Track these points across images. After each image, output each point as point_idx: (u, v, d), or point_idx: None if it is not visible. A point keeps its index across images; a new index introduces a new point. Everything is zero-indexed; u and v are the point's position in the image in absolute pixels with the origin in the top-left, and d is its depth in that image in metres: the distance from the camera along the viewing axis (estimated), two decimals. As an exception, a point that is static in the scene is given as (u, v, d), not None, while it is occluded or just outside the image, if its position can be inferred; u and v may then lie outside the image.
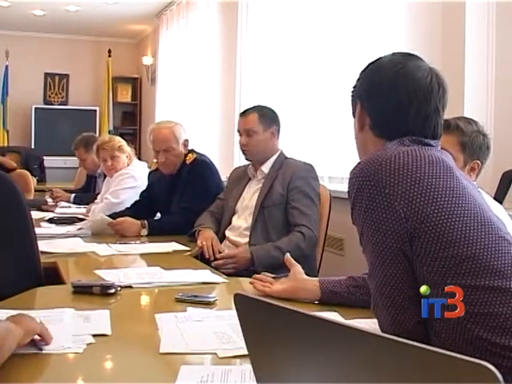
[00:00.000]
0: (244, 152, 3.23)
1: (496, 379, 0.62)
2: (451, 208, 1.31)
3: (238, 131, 3.25)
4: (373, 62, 1.60)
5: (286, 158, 3.23)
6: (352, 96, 1.64)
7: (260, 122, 3.17)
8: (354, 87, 1.64)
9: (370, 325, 1.62)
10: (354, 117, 1.62)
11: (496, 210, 1.77)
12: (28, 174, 6.86)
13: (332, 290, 1.89)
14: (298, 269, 2.04)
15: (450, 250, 1.29)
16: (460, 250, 1.28)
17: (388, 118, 1.50)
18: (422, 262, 1.31)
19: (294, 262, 2.08)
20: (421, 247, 1.30)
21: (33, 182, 6.65)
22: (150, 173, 4.24)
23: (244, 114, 3.26)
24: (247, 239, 3.10)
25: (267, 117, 3.20)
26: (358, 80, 1.62)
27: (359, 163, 1.40)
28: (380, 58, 1.59)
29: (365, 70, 1.61)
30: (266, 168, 3.21)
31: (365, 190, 1.35)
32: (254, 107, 3.28)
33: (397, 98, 1.48)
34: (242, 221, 3.19)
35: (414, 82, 1.48)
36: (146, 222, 3.49)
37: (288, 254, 2.14)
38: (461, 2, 2.73)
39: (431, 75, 1.50)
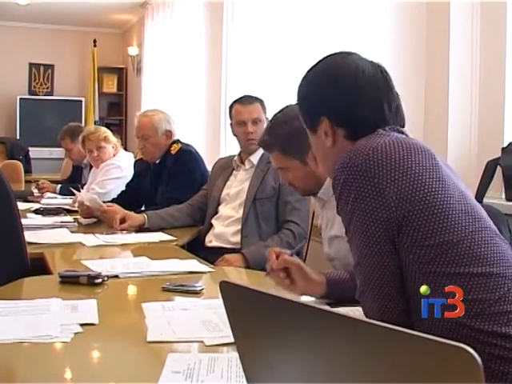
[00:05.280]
0: (251, 141, 3.18)
1: (475, 362, 0.64)
2: (438, 196, 1.32)
3: (240, 121, 3.20)
4: (315, 71, 1.55)
5: None
6: (308, 114, 1.57)
7: (263, 110, 3.23)
8: (306, 103, 1.57)
9: (354, 312, 1.64)
10: (315, 135, 1.55)
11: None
12: (19, 164, 6.89)
13: (335, 278, 1.86)
14: (304, 267, 1.85)
15: (437, 238, 1.30)
16: (445, 237, 1.30)
17: (364, 119, 1.48)
18: (407, 251, 1.32)
19: (293, 259, 1.87)
20: (407, 236, 1.31)
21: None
22: (135, 162, 4.25)
23: (246, 102, 3.23)
24: (234, 228, 3.12)
25: (264, 106, 3.25)
26: (309, 95, 1.56)
27: (345, 153, 1.40)
28: (320, 65, 1.56)
29: (311, 81, 1.55)
30: (254, 158, 3.22)
31: (353, 180, 1.35)
32: (251, 96, 3.30)
33: (366, 97, 1.48)
34: (229, 210, 3.19)
35: (373, 78, 1.49)
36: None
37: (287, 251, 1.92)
38: (445, 3, 2.74)
39: (378, 67, 1.52)
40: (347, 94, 1.49)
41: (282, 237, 2.97)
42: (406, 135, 1.49)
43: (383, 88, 1.50)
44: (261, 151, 3.23)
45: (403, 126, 1.52)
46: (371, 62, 1.53)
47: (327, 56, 1.57)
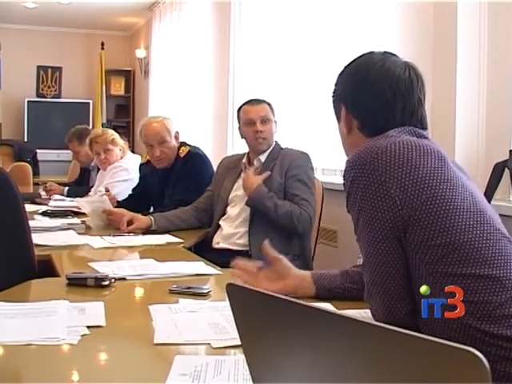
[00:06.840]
0: (260, 140, 3.20)
1: (483, 365, 0.63)
2: (445, 197, 1.32)
3: (249, 119, 3.22)
4: (349, 64, 1.62)
5: (282, 148, 3.26)
6: (333, 101, 1.65)
7: (271, 112, 3.25)
8: (334, 92, 1.65)
9: (361, 315, 1.63)
10: (339, 121, 1.63)
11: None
12: (28, 166, 6.92)
13: (326, 287, 1.81)
14: (286, 263, 1.85)
15: (443, 238, 1.30)
16: (452, 238, 1.30)
17: (375, 116, 1.52)
18: (414, 251, 1.32)
19: (277, 254, 1.86)
20: (414, 235, 1.32)
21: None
22: (140, 165, 4.25)
23: (255, 103, 3.27)
24: (243, 230, 3.12)
25: (272, 108, 3.28)
26: (337, 84, 1.64)
27: (355, 152, 1.42)
28: (355, 59, 1.61)
29: (342, 72, 1.63)
30: (263, 158, 3.23)
31: (361, 178, 1.36)
32: (258, 99, 3.33)
33: (381, 95, 1.51)
34: (238, 210, 3.20)
35: (394, 78, 1.51)
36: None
37: (267, 242, 1.86)
38: (452, 3, 2.74)
39: (408, 69, 1.54)
40: (363, 88, 1.54)
41: (292, 205, 3.02)
42: (423, 136, 1.49)
43: (402, 89, 1.51)
44: (268, 151, 3.23)
45: (423, 128, 1.53)
46: (405, 62, 1.56)
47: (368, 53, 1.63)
